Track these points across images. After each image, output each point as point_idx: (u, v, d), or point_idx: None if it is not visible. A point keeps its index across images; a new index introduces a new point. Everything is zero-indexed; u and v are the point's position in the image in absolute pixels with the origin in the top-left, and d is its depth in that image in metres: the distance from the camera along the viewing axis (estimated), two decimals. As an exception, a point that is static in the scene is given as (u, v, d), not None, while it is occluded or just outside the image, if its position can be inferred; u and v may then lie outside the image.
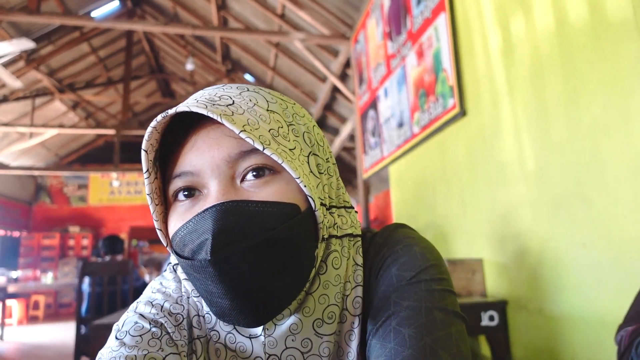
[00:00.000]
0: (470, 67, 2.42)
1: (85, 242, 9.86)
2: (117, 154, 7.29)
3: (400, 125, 3.30)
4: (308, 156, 0.51)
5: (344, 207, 0.56)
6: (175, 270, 0.59)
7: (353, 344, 0.51)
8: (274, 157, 0.46)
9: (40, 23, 5.88)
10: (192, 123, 0.50)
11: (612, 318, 1.53)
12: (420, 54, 2.94)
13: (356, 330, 0.51)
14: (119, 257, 3.90)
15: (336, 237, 0.53)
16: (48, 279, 8.22)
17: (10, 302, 7.75)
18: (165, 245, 0.52)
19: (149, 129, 0.47)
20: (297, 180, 0.48)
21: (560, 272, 1.80)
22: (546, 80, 1.85)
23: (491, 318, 2.10)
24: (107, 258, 3.85)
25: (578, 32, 1.69)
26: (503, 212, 2.17)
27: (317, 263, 0.50)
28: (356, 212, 0.58)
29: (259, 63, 6.44)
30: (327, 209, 0.52)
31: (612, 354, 1.53)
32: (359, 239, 0.56)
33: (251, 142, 0.45)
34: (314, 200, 0.49)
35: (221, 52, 6.84)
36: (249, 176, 0.47)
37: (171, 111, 0.47)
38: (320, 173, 0.52)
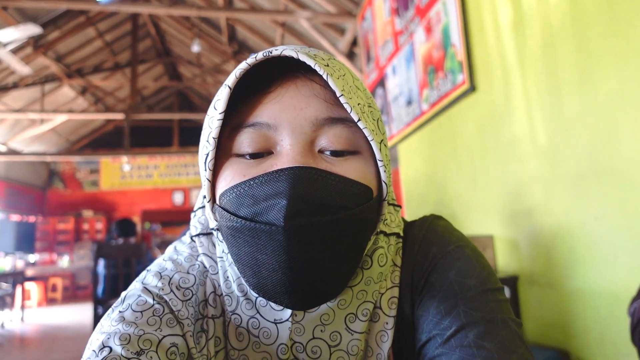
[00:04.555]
0: (480, 41, 2.37)
1: (99, 225, 10.01)
2: (127, 138, 7.33)
3: (409, 102, 3.26)
4: (380, 143, 0.47)
5: (393, 205, 0.53)
6: (194, 240, 0.55)
7: (384, 345, 0.48)
8: (366, 132, 0.44)
9: (46, 8, 5.86)
10: (276, 73, 0.46)
11: (625, 291, 1.53)
12: (428, 30, 2.88)
13: (389, 332, 0.48)
14: (132, 240, 3.96)
15: (385, 234, 0.50)
16: (64, 262, 8.40)
17: (29, 285, 7.95)
18: (207, 200, 0.48)
19: (243, 64, 0.43)
20: (379, 163, 0.46)
21: (573, 246, 1.79)
22: (559, 53, 1.81)
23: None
24: (120, 241, 3.91)
25: (591, 2, 1.64)
26: (514, 189, 2.15)
27: (364, 256, 0.47)
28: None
29: (266, 43, 6.38)
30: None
31: (624, 327, 1.53)
32: (401, 240, 0.53)
33: (348, 108, 0.42)
34: (387, 189, 0.47)
35: (227, 33, 6.78)
36: None
37: (275, 51, 0.43)
38: (386, 164, 0.49)
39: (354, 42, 4.90)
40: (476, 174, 2.50)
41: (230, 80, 0.44)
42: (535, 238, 2.01)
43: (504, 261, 2.28)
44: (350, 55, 5.17)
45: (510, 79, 2.13)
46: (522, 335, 0.45)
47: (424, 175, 3.26)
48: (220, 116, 0.44)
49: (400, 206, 0.55)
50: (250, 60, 0.43)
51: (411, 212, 3.57)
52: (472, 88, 2.42)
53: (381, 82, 3.88)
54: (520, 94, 2.07)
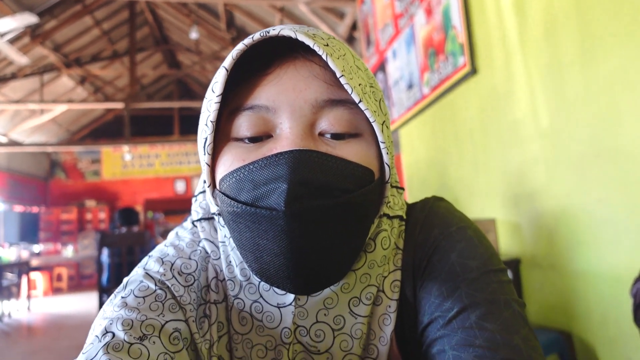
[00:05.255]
0: (481, 22, 2.34)
1: (102, 215, 10.06)
2: (128, 127, 7.31)
3: (410, 86, 3.23)
4: (382, 124, 0.45)
5: (397, 187, 0.52)
6: (195, 225, 0.54)
7: (387, 328, 0.48)
8: (367, 114, 0.42)
9: (41, -3, 5.81)
10: (275, 54, 0.44)
11: (628, 272, 1.53)
12: (429, 12, 2.85)
13: (392, 315, 0.48)
14: (135, 229, 3.98)
15: (388, 216, 0.50)
16: (69, 252, 8.47)
17: (34, 275, 8.02)
18: (207, 185, 0.47)
19: (240, 45, 0.42)
20: (380, 145, 0.45)
21: (575, 228, 1.78)
22: (561, 34, 1.78)
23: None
24: (124, 230, 3.92)
25: (595, -21, 1.61)
26: (517, 171, 2.14)
27: (367, 240, 0.47)
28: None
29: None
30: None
31: (627, 308, 1.54)
32: (404, 223, 0.53)
33: (349, 89, 0.41)
34: (390, 171, 0.46)
35: (225, 19, 6.71)
36: None
37: (273, 31, 0.42)
38: (388, 146, 0.48)
39: (354, 26, 4.85)
40: (478, 157, 2.49)
41: (227, 61, 0.43)
42: (538, 220, 2.01)
43: (506, 244, 2.28)
44: (350, 39, 5.12)
45: (511, 61, 2.11)
46: (525, 316, 0.44)
47: (426, 160, 3.25)
48: (218, 99, 0.44)
49: (403, 188, 0.54)
50: (247, 40, 0.42)
51: (413, 196, 3.56)
52: (474, 70, 2.40)
53: (381, 66, 3.85)
54: (521, 76, 2.04)
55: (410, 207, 0.55)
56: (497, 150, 2.29)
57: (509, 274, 2.09)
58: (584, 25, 1.66)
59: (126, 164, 10.43)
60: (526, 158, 2.06)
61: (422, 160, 3.32)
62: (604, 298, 1.67)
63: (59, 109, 7.62)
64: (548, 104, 1.89)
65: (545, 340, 1.78)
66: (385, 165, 0.46)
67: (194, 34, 6.56)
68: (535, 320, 2.05)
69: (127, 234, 3.56)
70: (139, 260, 3.57)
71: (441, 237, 0.50)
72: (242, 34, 7.16)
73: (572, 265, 1.81)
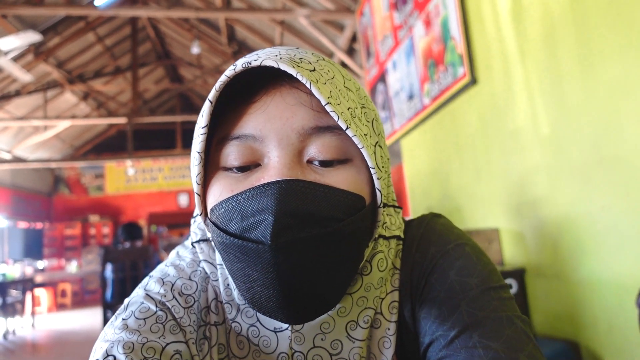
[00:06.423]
0: (480, 33, 2.36)
1: (106, 230, 10.07)
2: (131, 142, 7.34)
3: (410, 97, 3.25)
4: (375, 146, 0.45)
5: (393, 206, 0.51)
6: (194, 247, 0.54)
7: (387, 352, 0.47)
8: (355, 140, 0.41)
9: (45, 15, 5.89)
10: (261, 81, 0.44)
11: (633, 281, 1.52)
12: (427, 23, 2.87)
13: (392, 338, 0.47)
14: (139, 243, 3.98)
15: (384, 237, 0.49)
16: (73, 267, 8.46)
17: (38, 292, 8.00)
18: (199, 213, 0.47)
19: (223, 77, 0.42)
20: (371, 170, 0.44)
21: (579, 237, 1.77)
22: (560, 42, 1.79)
23: (509, 286, 2.09)
24: (127, 244, 3.92)
25: (591, -11, 1.62)
26: (519, 180, 2.14)
27: (362, 262, 0.46)
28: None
29: (265, 42, 6.37)
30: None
31: (633, 317, 1.52)
32: (401, 242, 0.52)
33: (335, 117, 0.40)
34: (382, 196, 0.45)
35: (226, 33, 6.78)
36: None
37: (255, 62, 0.41)
38: (382, 167, 0.47)
39: (354, 38, 4.88)
40: (480, 166, 2.49)
41: (212, 94, 0.42)
42: (541, 229, 2.00)
43: (510, 254, 2.27)
44: (350, 51, 5.15)
45: (511, 70, 2.12)
46: (529, 332, 0.44)
47: (428, 170, 3.25)
48: (204, 130, 0.43)
49: (401, 207, 0.53)
50: (230, 72, 0.42)
51: (415, 206, 3.56)
52: (473, 80, 2.41)
53: (382, 78, 3.87)
54: (521, 85, 2.05)
55: (407, 225, 0.55)
56: (499, 159, 2.29)
57: (514, 284, 2.07)
58: (583, 33, 1.67)
59: (129, 178, 10.46)
60: (528, 166, 2.06)
61: (424, 170, 3.32)
62: (610, 306, 1.65)
63: (63, 124, 7.67)
64: (548, 112, 1.89)
65: (551, 351, 1.76)
66: (377, 191, 0.45)
67: (195, 49, 6.62)
68: (541, 330, 2.04)
69: (131, 249, 3.56)
70: (143, 275, 3.57)
71: (439, 256, 0.49)
72: (243, 47, 7.22)
73: (577, 274, 1.80)
